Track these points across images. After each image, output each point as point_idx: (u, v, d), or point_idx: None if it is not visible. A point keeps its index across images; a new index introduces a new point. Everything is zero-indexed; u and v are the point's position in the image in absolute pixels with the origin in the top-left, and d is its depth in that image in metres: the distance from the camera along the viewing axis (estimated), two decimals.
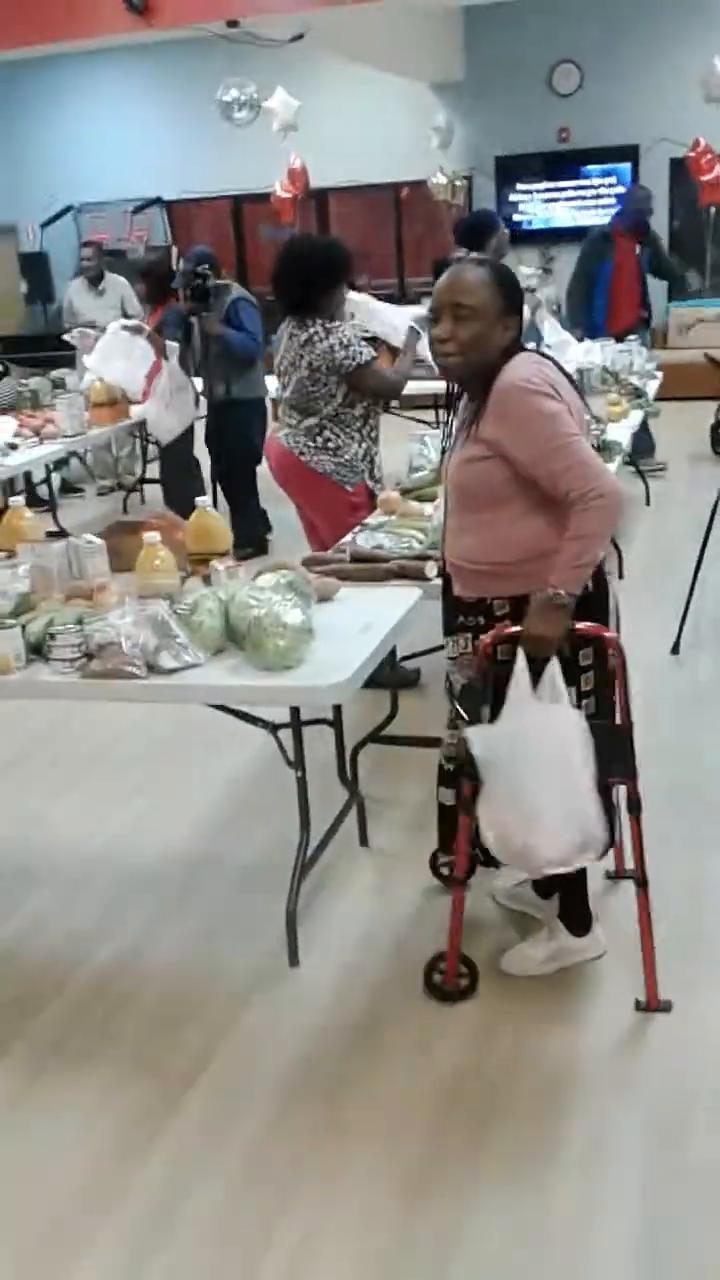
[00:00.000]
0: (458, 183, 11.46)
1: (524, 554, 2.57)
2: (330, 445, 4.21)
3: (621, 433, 5.07)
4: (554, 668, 2.48)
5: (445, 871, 3.09)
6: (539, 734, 2.47)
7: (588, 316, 7.36)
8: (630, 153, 11.23)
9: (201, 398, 6.53)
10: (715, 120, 10.17)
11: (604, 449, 4.61)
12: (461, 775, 2.66)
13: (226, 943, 3.13)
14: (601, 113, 11.17)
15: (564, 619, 2.48)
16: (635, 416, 5.51)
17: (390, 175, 11.91)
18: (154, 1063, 2.69)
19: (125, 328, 6.61)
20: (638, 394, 5.76)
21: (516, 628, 2.53)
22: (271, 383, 4.91)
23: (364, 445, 4.28)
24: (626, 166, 11.26)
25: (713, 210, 11.00)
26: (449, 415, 2.75)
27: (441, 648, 2.89)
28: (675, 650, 4.80)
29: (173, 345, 6.29)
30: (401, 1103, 2.52)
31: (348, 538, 3.73)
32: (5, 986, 3.01)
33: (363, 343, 4.22)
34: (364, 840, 3.51)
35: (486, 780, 2.51)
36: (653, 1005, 2.72)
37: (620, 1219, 2.20)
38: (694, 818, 3.53)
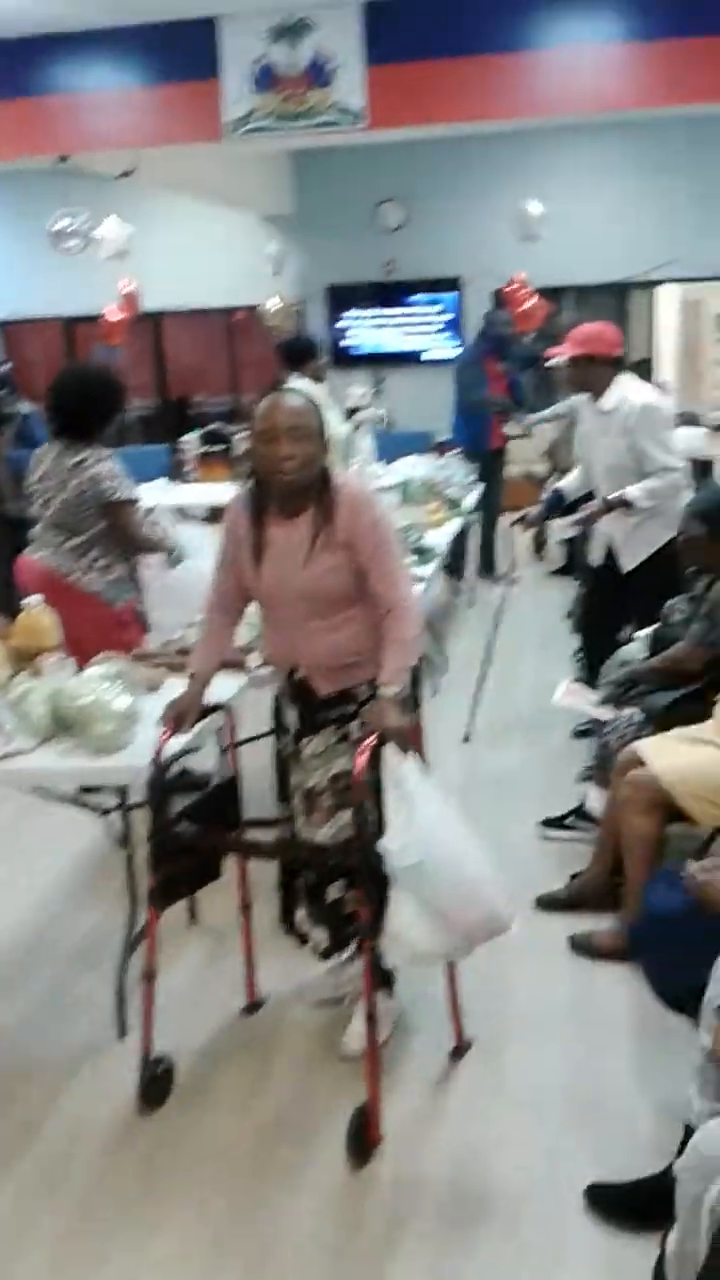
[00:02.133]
0: (291, 308, 12.03)
1: (376, 641, 2.84)
2: (99, 564, 4.22)
3: (439, 539, 5.46)
4: (410, 757, 2.68)
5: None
6: (441, 813, 2.65)
7: (476, 438, 8.07)
8: (453, 283, 11.99)
9: None
10: (530, 256, 11.00)
11: (422, 552, 4.97)
12: (360, 895, 2.70)
13: (55, 1021, 3.25)
14: (426, 247, 11.91)
15: (405, 713, 2.77)
16: (454, 524, 5.92)
17: (224, 300, 12.44)
18: None
19: None
20: (454, 505, 6.18)
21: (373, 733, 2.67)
22: None
23: (131, 563, 4.34)
24: (453, 295, 12.00)
25: (526, 338, 11.78)
26: (253, 532, 2.91)
27: (263, 736, 3.14)
28: (466, 740, 5.23)
29: None
30: (219, 1159, 2.68)
31: (178, 633, 3.95)
32: None
33: (129, 483, 4.25)
34: (192, 917, 3.66)
35: (405, 886, 2.57)
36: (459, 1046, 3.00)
37: (418, 1256, 2.39)
38: None
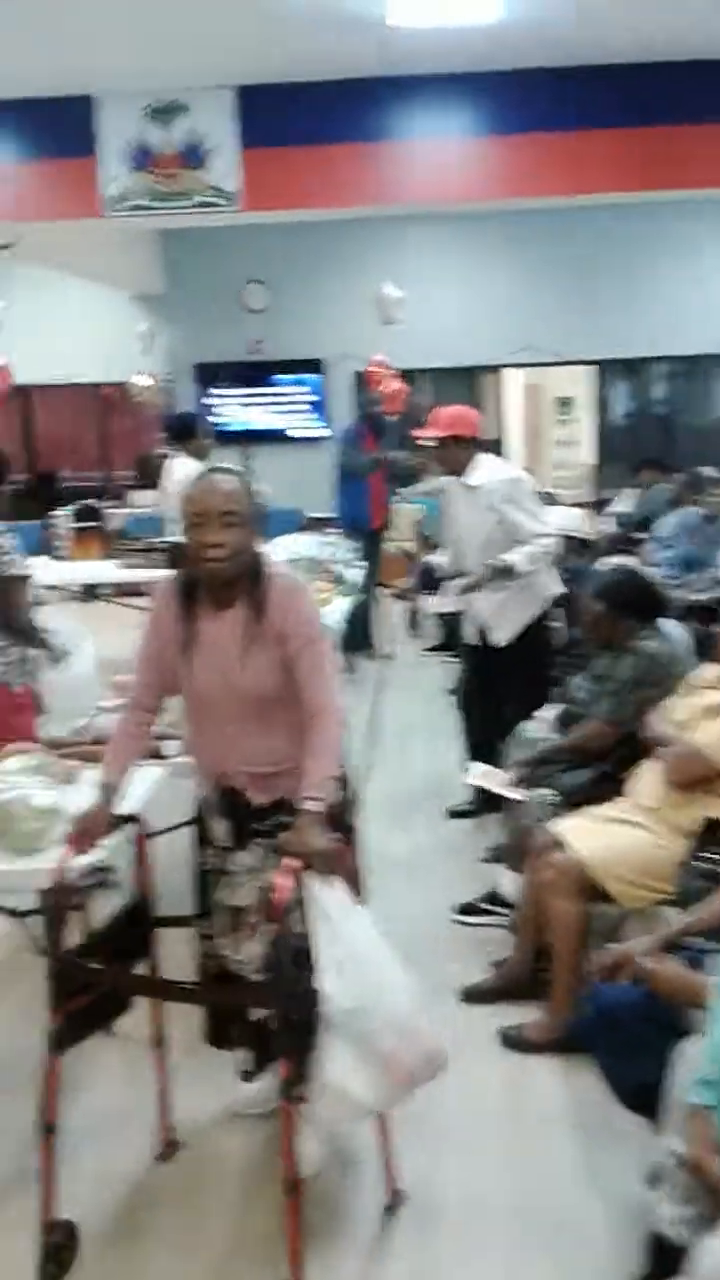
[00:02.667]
0: (161, 384, 11.98)
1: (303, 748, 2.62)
2: None
3: (332, 617, 5.40)
4: (337, 883, 2.43)
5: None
6: (373, 944, 2.44)
7: (358, 516, 8.05)
8: (317, 364, 12.12)
9: None
10: (391, 338, 11.20)
11: None
12: (283, 1050, 2.38)
13: None
14: (290, 328, 12.04)
15: (328, 832, 2.49)
16: (343, 602, 5.87)
17: (95, 375, 12.31)
18: None
19: None
20: (340, 580, 6.14)
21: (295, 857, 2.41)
22: None
23: (23, 647, 4.09)
24: (317, 377, 12.12)
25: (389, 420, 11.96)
26: (183, 625, 2.69)
27: (181, 826, 2.98)
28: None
29: None
30: None
31: (83, 720, 3.78)
32: None
33: (22, 558, 4.08)
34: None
35: (343, 1031, 2.32)
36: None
37: None
38: None
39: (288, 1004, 2.35)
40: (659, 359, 12.29)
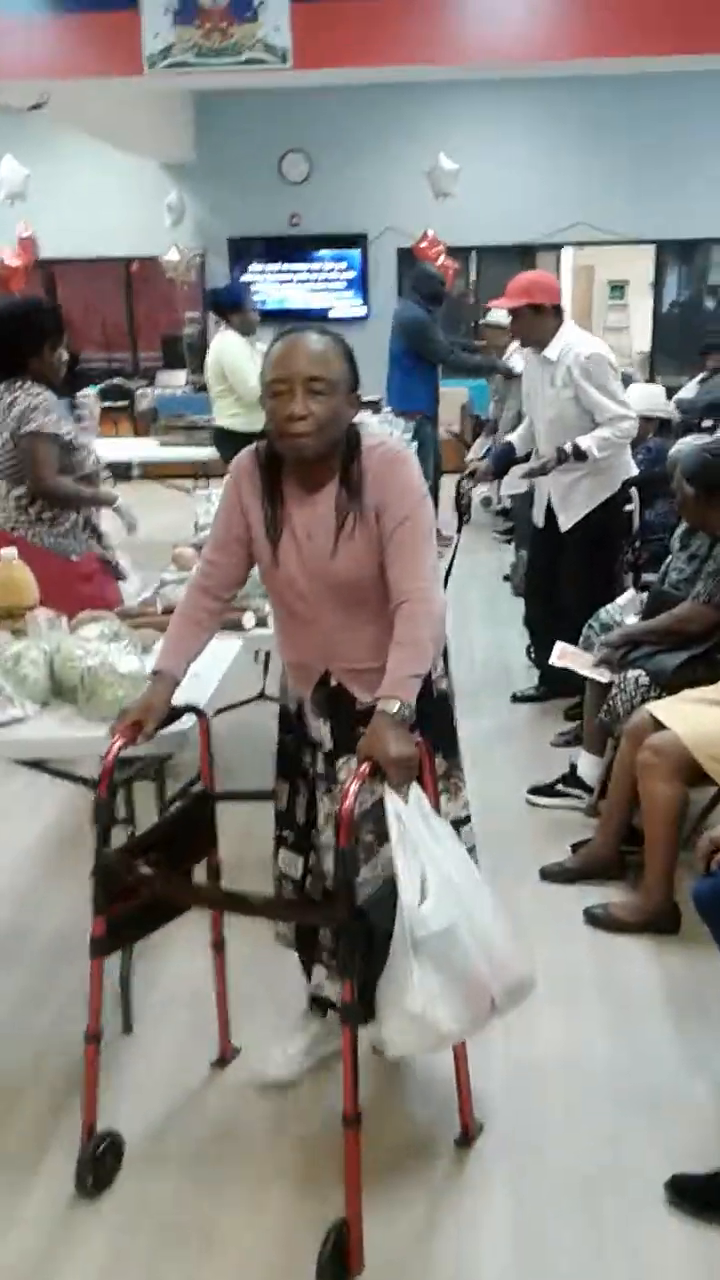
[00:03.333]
0: (193, 260, 11.61)
1: None
2: (45, 515, 3.77)
3: None
4: (417, 792, 2.17)
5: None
6: (458, 862, 2.20)
7: (426, 403, 7.71)
8: (359, 240, 11.71)
9: None
10: (440, 213, 10.80)
11: None
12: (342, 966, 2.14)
13: (50, 1015, 2.95)
14: (330, 201, 11.62)
15: (409, 736, 2.17)
16: None
17: (122, 250, 11.93)
18: None
19: None
20: None
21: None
22: None
23: (84, 512, 3.91)
24: (356, 253, 11.73)
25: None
26: (267, 507, 2.39)
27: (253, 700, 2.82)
28: None
29: None
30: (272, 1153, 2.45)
31: (147, 592, 3.66)
32: None
33: (55, 417, 3.72)
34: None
35: (431, 954, 2.09)
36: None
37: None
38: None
39: (353, 923, 2.09)
40: (713, 241, 11.86)
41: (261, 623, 3.33)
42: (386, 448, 2.35)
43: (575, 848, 3.64)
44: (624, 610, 4.14)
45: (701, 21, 7.17)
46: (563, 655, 3.94)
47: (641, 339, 12.98)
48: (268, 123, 11.42)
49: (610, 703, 3.62)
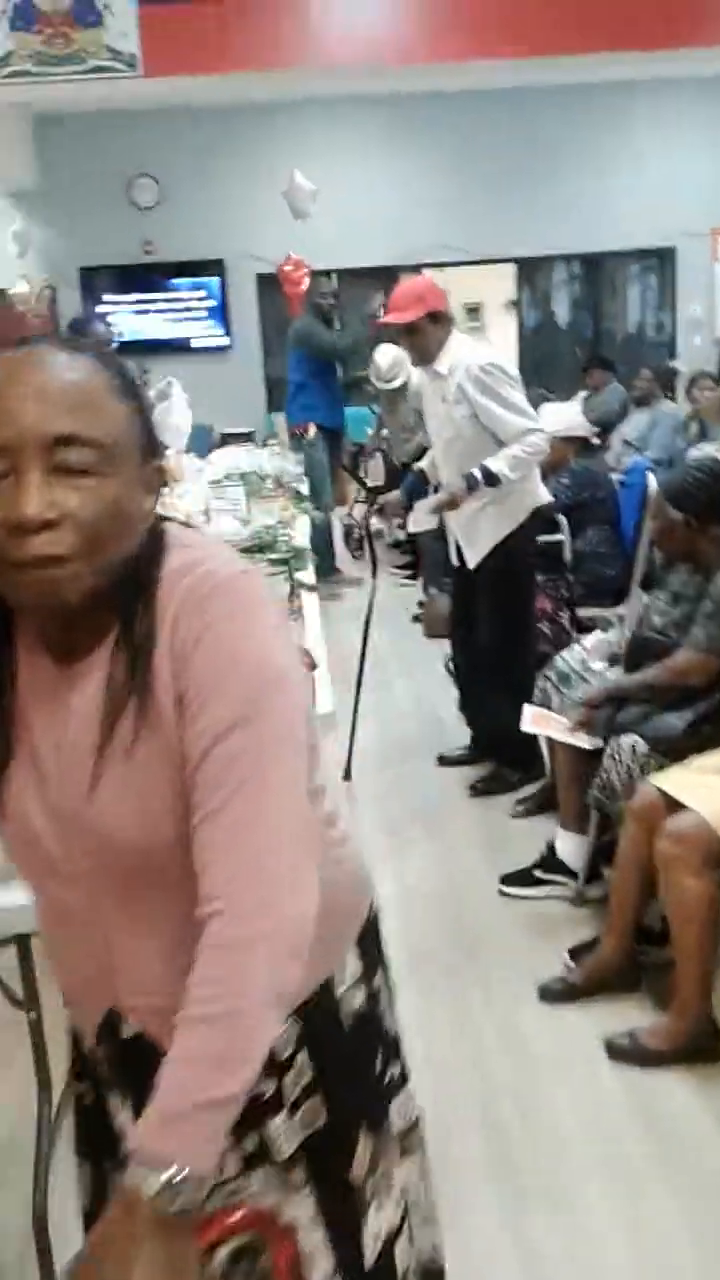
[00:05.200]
0: (45, 292, 10.83)
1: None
2: None
3: (303, 539, 4.60)
4: None
5: None
6: None
7: (330, 417, 7.17)
8: (217, 267, 11.09)
9: None
10: (299, 236, 10.26)
11: (297, 555, 4.09)
12: None
13: None
14: (185, 227, 10.96)
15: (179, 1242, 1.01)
16: (304, 521, 5.06)
17: None
18: None
19: None
20: (300, 497, 5.34)
21: None
22: None
23: None
24: (215, 280, 11.10)
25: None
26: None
27: None
28: (347, 776, 4.39)
29: None
30: None
31: None
32: None
33: None
34: None
35: None
36: None
37: None
38: None
39: None
40: (571, 257, 11.60)
41: None
42: (206, 573, 1.16)
43: (574, 954, 3.04)
44: (590, 655, 3.59)
45: (572, 19, 6.83)
46: (536, 720, 3.36)
47: (508, 364, 12.65)
48: (114, 145, 10.73)
49: (604, 776, 3.04)
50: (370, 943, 1.43)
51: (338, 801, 1.41)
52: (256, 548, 4.06)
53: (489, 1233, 2.22)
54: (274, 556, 3.42)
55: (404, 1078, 1.48)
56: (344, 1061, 1.36)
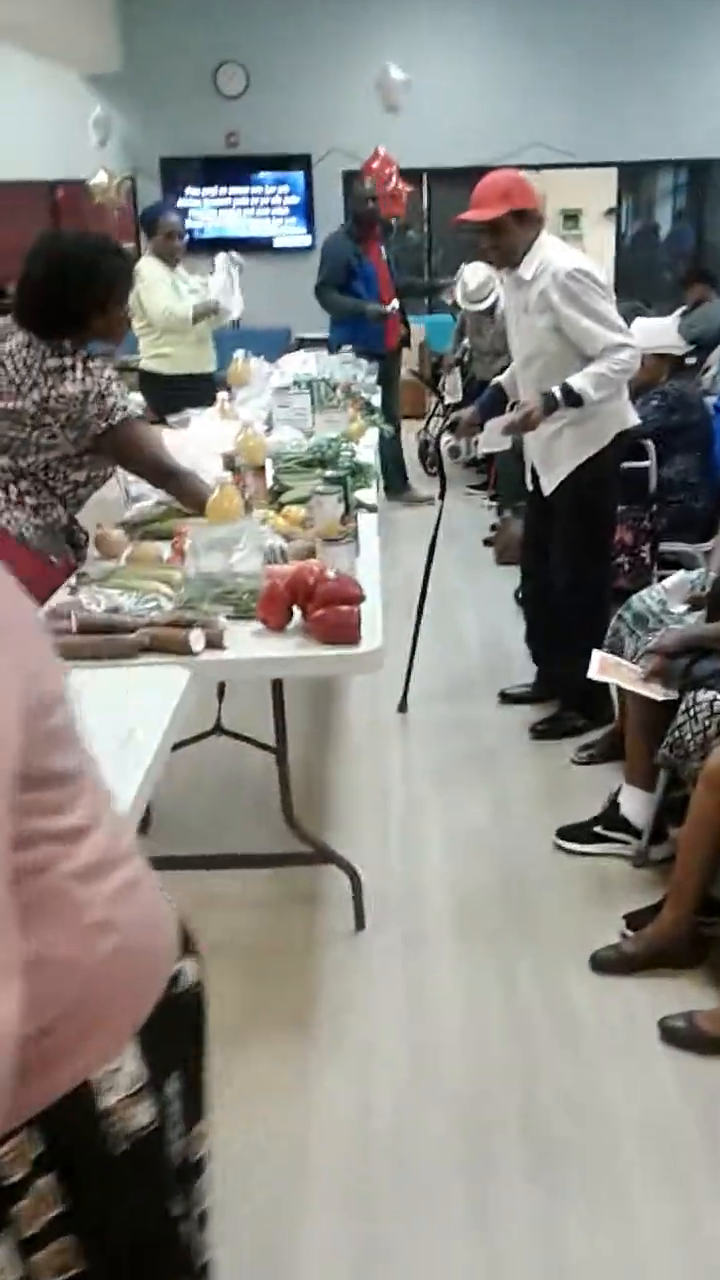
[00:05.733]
0: (123, 183, 10.48)
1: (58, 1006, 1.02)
2: (29, 501, 2.90)
3: (369, 455, 4.31)
4: None
5: None
6: None
7: (359, 335, 6.52)
8: (302, 161, 10.64)
9: None
10: (390, 132, 9.80)
11: (359, 473, 3.81)
12: None
13: None
14: (271, 118, 10.51)
15: None
16: (372, 435, 4.76)
17: (43, 172, 10.73)
18: None
19: None
20: (370, 409, 5.04)
21: None
22: None
23: (68, 512, 3.03)
24: (300, 175, 10.66)
25: (394, 223, 10.59)
26: None
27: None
28: (402, 708, 4.15)
29: None
30: None
31: (59, 597, 2.72)
32: None
33: (126, 393, 3.00)
34: None
35: None
36: None
37: None
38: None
39: None
40: (678, 163, 10.95)
41: (214, 643, 2.41)
42: None
43: (631, 921, 2.81)
44: (670, 597, 3.30)
45: None
46: (604, 667, 3.08)
47: (600, 272, 12.08)
48: (200, 29, 10.28)
49: (676, 734, 2.77)
50: (165, 1037, 1.10)
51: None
52: (317, 461, 3.81)
53: (519, 1234, 2.03)
54: (329, 474, 3.13)
55: (203, 1220, 1.19)
56: (110, 1196, 1.06)
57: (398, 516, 6.42)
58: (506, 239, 3.64)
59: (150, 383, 5.81)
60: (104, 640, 2.37)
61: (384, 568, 3.07)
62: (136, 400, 2.94)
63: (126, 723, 2.00)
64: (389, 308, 6.85)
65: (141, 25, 10.25)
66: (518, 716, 4.06)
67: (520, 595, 4.44)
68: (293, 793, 2.87)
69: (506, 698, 4.19)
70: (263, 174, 10.74)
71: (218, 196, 10.78)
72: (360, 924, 2.84)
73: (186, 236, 6.18)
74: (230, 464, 3.49)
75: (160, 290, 5.65)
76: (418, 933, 2.85)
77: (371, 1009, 2.60)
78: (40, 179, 10.73)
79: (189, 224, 10.72)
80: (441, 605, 4.83)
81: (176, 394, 5.24)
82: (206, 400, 4.91)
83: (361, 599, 2.42)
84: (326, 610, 2.37)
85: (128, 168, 10.69)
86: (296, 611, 2.47)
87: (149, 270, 5.67)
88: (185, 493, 3.05)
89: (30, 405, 2.79)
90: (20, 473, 2.88)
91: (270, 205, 10.85)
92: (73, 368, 2.79)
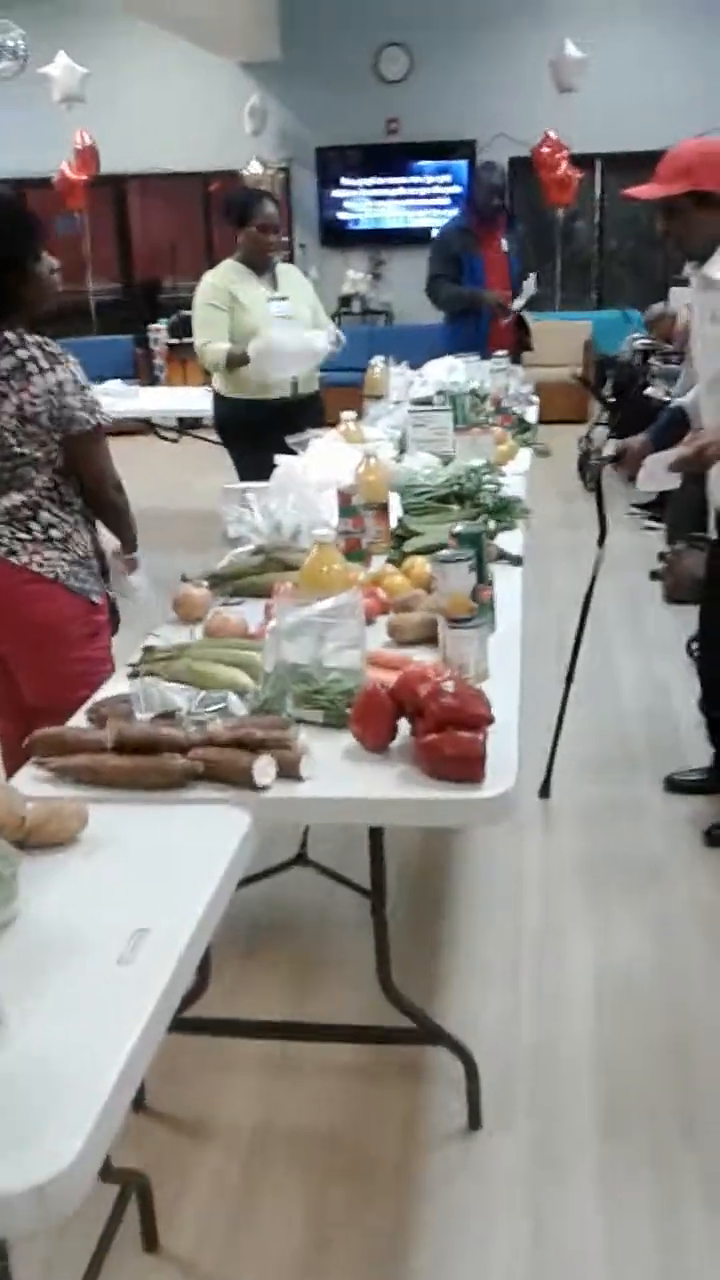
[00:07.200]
0: (277, 174, 10.03)
1: None
2: (55, 534, 2.55)
3: (519, 485, 3.64)
4: None
5: None
6: None
7: (457, 338, 5.85)
8: (466, 148, 10.00)
9: None
10: (561, 114, 9.10)
11: (503, 510, 3.16)
12: None
13: None
14: (434, 103, 9.93)
15: None
16: (524, 458, 4.09)
17: (195, 163, 10.35)
18: None
19: None
20: (523, 426, 4.37)
21: None
22: None
23: (90, 530, 2.66)
24: (463, 164, 10.01)
25: (560, 213, 9.87)
26: None
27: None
28: (544, 793, 3.45)
29: None
30: None
31: (104, 692, 2.16)
32: None
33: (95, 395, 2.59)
34: (150, 1242, 1.97)
35: None
36: None
37: None
38: None
39: None
40: None
41: (288, 772, 1.80)
42: None
43: None
44: None
45: None
46: None
47: None
48: (361, 12, 9.74)
49: None
50: None
51: None
52: (454, 496, 3.18)
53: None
54: (460, 529, 2.42)
55: None
56: None
57: (544, 526, 5.72)
58: (681, 226, 2.95)
59: (217, 402, 4.69)
60: (145, 763, 1.80)
61: (526, 600, 2.47)
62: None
63: (140, 916, 1.43)
64: (514, 304, 6.11)
65: (303, 8, 9.77)
66: (687, 809, 3.35)
67: (695, 649, 3.74)
68: (394, 933, 2.22)
69: (674, 785, 3.49)
70: (423, 162, 10.17)
71: (374, 187, 10.24)
72: (475, 1122, 2.18)
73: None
74: (347, 505, 2.85)
75: (205, 315, 4.43)
76: (551, 1135, 2.18)
77: (486, 1245, 1.97)
78: (193, 170, 10.35)
79: (342, 215, 10.24)
80: (595, 649, 4.13)
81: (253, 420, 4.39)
82: (310, 423, 4.15)
83: (489, 721, 1.79)
84: (441, 736, 1.76)
85: (283, 158, 10.26)
86: (403, 724, 1.86)
87: (217, 281, 4.45)
88: (116, 530, 2.73)
89: (8, 420, 2.44)
90: (36, 505, 2.54)
91: (431, 195, 10.27)
92: (32, 359, 2.43)
